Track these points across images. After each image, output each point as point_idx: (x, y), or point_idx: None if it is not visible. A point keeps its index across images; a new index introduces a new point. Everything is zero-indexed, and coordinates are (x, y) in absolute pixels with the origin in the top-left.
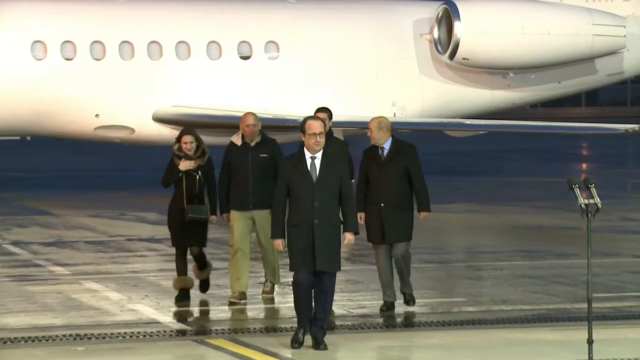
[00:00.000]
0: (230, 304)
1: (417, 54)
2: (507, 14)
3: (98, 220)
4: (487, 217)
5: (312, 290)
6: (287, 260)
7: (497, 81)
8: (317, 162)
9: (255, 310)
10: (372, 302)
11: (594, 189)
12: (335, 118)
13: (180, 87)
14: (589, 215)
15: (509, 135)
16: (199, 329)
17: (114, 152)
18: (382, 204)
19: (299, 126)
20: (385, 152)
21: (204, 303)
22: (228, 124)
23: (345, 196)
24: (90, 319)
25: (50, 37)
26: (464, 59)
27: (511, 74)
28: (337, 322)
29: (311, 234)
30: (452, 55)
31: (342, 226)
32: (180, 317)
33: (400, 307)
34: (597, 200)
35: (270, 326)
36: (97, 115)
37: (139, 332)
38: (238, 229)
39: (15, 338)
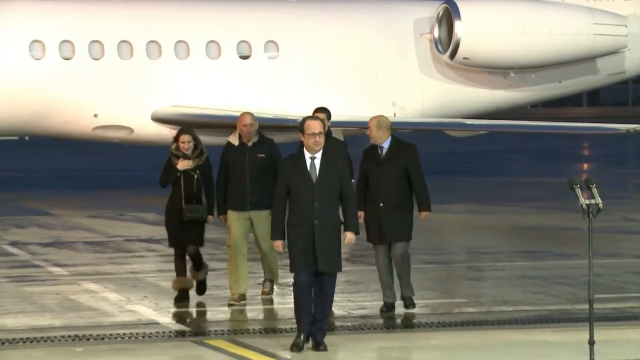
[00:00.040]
0: (230, 305)
1: (417, 54)
2: (508, 13)
3: (97, 221)
4: (488, 218)
5: (312, 291)
6: (286, 260)
7: (497, 81)
8: (317, 163)
9: (254, 311)
10: (372, 303)
11: (595, 189)
12: (335, 118)
13: (179, 86)
14: (590, 215)
15: (510, 135)
16: (198, 330)
17: (112, 152)
18: (380, 204)
19: (298, 126)
20: (385, 151)
21: (203, 304)
22: (227, 124)
23: (345, 196)
24: (89, 320)
25: (49, 36)
26: (464, 58)
27: (512, 74)
28: (337, 323)
29: (311, 234)
30: (452, 55)
31: (342, 226)
32: (180, 318)
33: (400, 308)
34: (599, 200)
35: (270, 327)
36: (95, 115)
37: (137, 333)
38: (236, 230)
39: (14, 339)
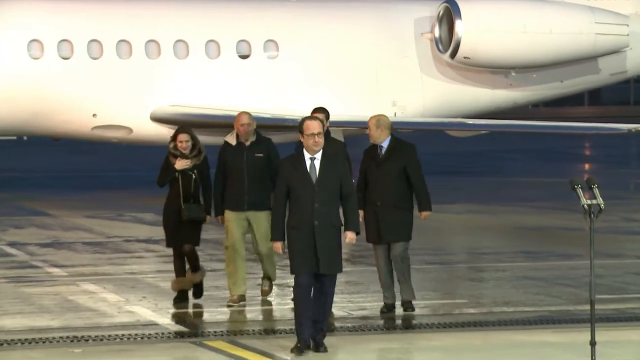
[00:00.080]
0: (229, 306)
1: (418, 53)
2: (509, 13)
3: (95, 221)
4: (489, 218)
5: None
6: (286, 261)
7: (498, 80)
8: (317, 163)
9: (253, 312)
10: (372, 304)
11: (596, 189)
12: (335, 118)
13: (178, 86)
14: (592, 215)
15: (511, 135)
16: (197, 331)
17: (111, 152)
18: (379, 203)
19: (297, 127)
20: (384, 150)
21: (202, 305)
22: (227, 124)
23: (346, 195)
24: (88, 321)
25: (47, 35)
26: (465, 58)
27: (513, 73)
28: (337, 324)
29: (312, 235)
30: (453, 54)
31: (342, 226)
32: (179, 318)
33: (401, 309)
34: (600, 200)
35: (269, 328)
36: (94, 115)
37: (136, 334)
38: (233, 230)
39: (12, 340)
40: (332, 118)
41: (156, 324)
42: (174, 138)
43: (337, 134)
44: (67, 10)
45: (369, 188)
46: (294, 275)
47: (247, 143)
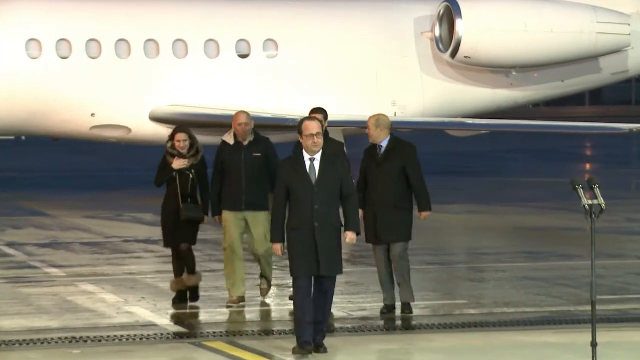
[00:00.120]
0: (228, 307)
1: (418, 53)
2: (510, 12)
3: (94, 221)
4: (489, 218)
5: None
6: (286, 262)
7: (499, 80)
8: (317, 164)
9: (253, 313)
10: (372, 305)
11: (597, 189)
12: (335, 117)
13: (177, 86)
14: (593, 216)
15: (512, 135)
16: (196, 332)
17: (110, 152)
18: (377, 204)
19: (297, 127)
20: (383, 150)
21: (201, 306)
22: (226, 124)
23: (346, 196)
24: (86, 322)
25: (46, 35)
26: (465, 57)
27: (514, 73)
28: (337, 325)
29: (312, 237)
30: (453, 54)
31: (343, 227)
32: (178, 319)
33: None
34: (601, 200)
35: (268, 329)
36: (93, 115)
37: (135, 335)
38: (231, 232)
39: (10, 341)
40: (331, 118)
41: (155, 325)
42: (172, 137)
43: (337, 134)
44: (65, 10)
45: (369, 188)
46: (293, 277)
47: (245, 143)
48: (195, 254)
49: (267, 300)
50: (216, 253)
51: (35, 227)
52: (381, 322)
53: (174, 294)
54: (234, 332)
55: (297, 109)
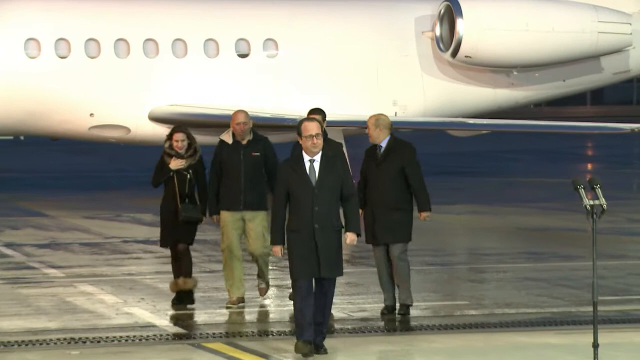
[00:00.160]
0: (228, 308)
1: (418, 52)
2: (511, 11)
3: (93, 222)
4: (491, 219)
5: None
6: (285, 262)
7: (500, 79)
8: (317, 165)
9: (252, 314)
10: (372, 305)
11: (599, 189)
12: (335, 117)
13: (176, 85)
14: (595, 216)
15: (513, 135)
16: (195, 333)
17: (109, 152)
18: (376, 204)
19: (296, 128)
20: (382, 150)
21: (200, 307)
22: (226, 124)
23: (347, 197)
24: (85, 323)
25: (44, 34)
26: (466, 56)
27: (515, 72)
28: (337, 326)
29: (312, 239)
30: (454, 53)
31: (343, 228)
32: (177, 320)
33: None
34: (603, 201)
35: (267, 330)
36: (91, 115)
37: (134, 336)
38: (229, 233)
39: (9, 342)
40: (332, 117)
41: (154, 326)
42: (170, 137)
43: (337, 134)
44: (64, 9)
45: (368, 188)
46: (293, 279)
47: (244, 142)
48: (195, 254)
49: (267, 301)
50: (215, 254)
51: (34, 227)
52: (381, 323)
53: (173, 295)
54: (233, 333)
55: (297, 109)
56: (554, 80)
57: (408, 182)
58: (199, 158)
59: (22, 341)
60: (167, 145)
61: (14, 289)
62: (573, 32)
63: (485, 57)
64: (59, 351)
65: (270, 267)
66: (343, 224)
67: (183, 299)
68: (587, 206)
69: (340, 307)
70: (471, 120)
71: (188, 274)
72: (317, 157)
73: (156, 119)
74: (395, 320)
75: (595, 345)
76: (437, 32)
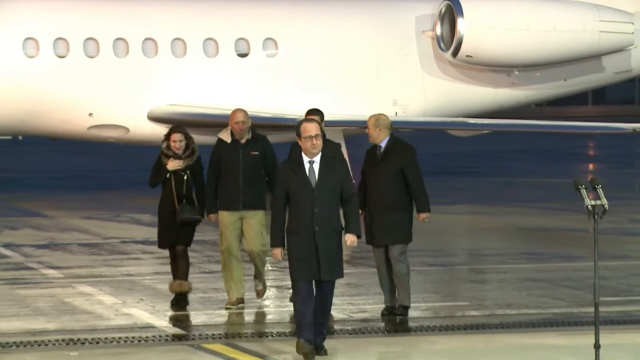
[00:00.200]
0: (227, 309)
1: (419, 52)
2: (512, 10)
3: (91, 222)
4: (491, 219)
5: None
6: (285, 263)
7: (501, 79)
8: (316, 167)
9: (251, 315)
10: (373, 306)
11: (600, 189)
12: (335, 117)
13: (176, 85)
14: (596, 216)
15: (514, 134)
16: (194, 334)
17: (108, 152)
18: (375, 204)
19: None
20: (382, 150)
21: (200, 307)
22: (226, 123)
23: (347, 198)
24: (84, 324)
25: (43, 34)
26: (467, 56)
27: (516, 72)
28: (337, 327)
29: (312, 241)
30: (455, 53)
31: (343, 230)
32: (176, 321)
33: None
34: (604, 201)
35: (267, 331)
36: (90, 114)
37: (133, 337)
38: (227, 234)
39: (7, 343)
40: (332, 117)
41: (153, 327)
42: (167, 137)
43: (337, 134)
44: (62, 8)
45: (368, 188)
46: (293, 281)
47: (243, 141)
48: (194, 255)
49: (266, 302)
50: (214, 254)
51: (33, 227)
52: (382, 324)
53: (172, 296)
54: (232, 334)
55: (297, 109)
56: (555, 79)
57: (407, 183)
58: (196, 158)
59: (21, 342)
60: (164, 145)
61: (13, 290)
62: (574, 31)
63: (486, 57)
64: (57, 352)
65: (269, 268)
66: (343, 225)
67: (179, 300)
68: (589, 206)
69: (341, 308)
70: (472, 120)
71: (184, 277)
72: (317, 159)
73: (155, 118)
74: (396, 321)
75: (597, 346)
76: (438, 31)
